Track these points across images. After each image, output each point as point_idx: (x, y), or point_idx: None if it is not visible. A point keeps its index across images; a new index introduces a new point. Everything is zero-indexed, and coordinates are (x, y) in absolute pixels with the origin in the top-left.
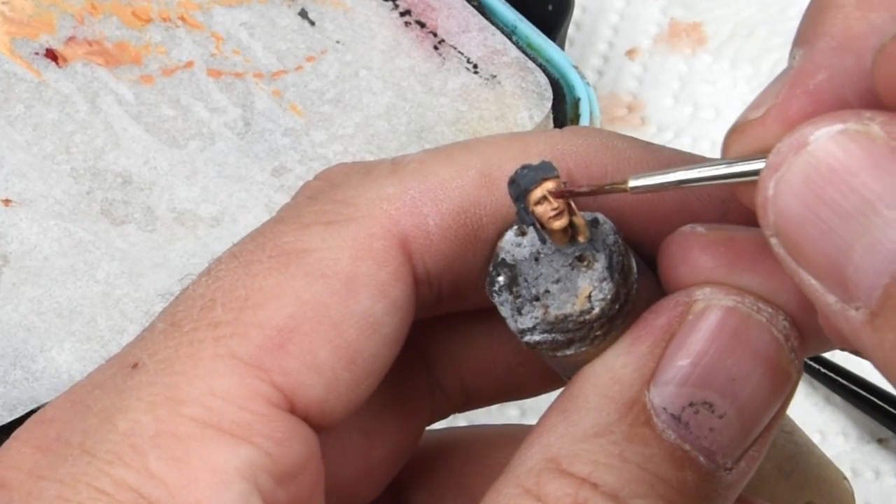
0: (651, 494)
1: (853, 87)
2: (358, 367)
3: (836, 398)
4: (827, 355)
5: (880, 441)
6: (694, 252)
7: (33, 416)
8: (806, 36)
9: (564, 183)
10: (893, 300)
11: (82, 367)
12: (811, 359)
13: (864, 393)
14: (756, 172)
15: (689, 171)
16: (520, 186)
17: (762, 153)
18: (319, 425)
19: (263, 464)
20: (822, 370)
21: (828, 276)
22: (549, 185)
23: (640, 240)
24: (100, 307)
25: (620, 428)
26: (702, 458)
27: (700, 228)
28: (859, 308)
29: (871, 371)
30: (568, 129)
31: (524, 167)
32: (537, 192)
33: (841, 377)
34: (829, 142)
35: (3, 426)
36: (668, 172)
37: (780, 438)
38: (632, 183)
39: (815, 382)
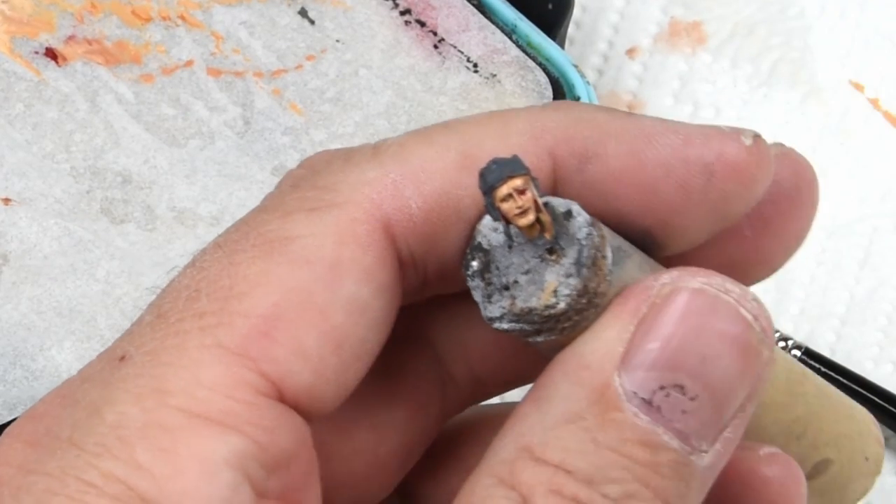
0: (625, 479)
1: None
2: (345, 352)
3: None
4: (827, 354)
5: None
6: None
7: (25, 413)
8: None
9: (534, 179)
10: None
11: (82, 365)
12: (811, 358)
13: (864, 392)
14: None
15: None
16: (487, 182)
17: None
18: (309, 413)
19: (252, 452)
20: (823, 370)
21: None
22: (516, 182)
23: (627, 212)
24: (100, 306)
25: (592, 414)
26: (675, 441)
27: None
28: None
29: (871, 370)
30: (549, 105)
31: (494, 161)
32: (503, 189)
33: (841, 377)
34: None
35: (3, 425)
36: None
37: (787, 401)
38: None
39: None
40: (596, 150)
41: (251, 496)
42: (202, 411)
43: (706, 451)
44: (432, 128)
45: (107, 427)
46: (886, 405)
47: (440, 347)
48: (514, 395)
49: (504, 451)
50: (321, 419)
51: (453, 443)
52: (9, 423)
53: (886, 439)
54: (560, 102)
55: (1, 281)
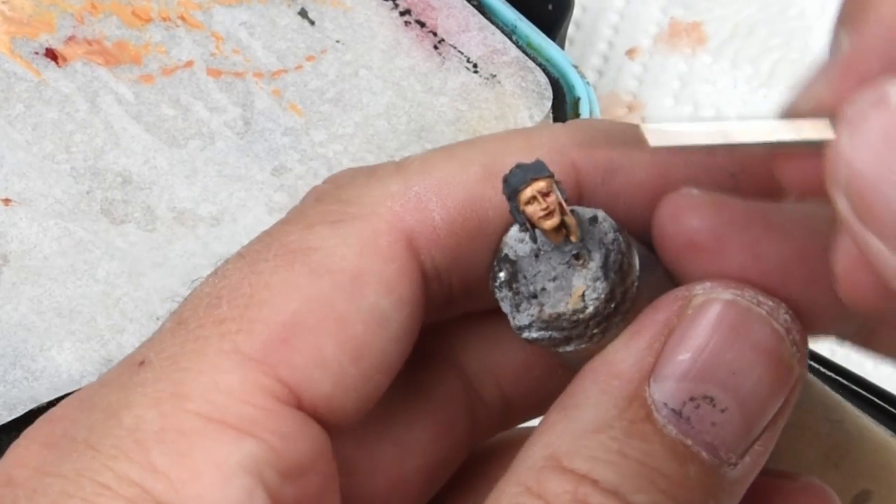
0: (652, 490)
1: None
2: (365, 362)
3: None
4: (827, 354)
5: None
6: (684, 213)
7: (43, 416)
8: (852, 18)
9: (557, 182)
10: None
11: (82, 366)
12: (811, 358)
13: (864, 393)
14: (796, 142)
15: (725, 133)
16: (510, 186)
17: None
18: (329, 422)
19: (268, 459)
20: (823, 370)
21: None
22: (540, 184)
23: (650, 229)
24: (99, 306)
25: (620, 424)
26: (704, 453)
27: (695, 191)
28: None
29: (871, 371)
30: (571, 122)
31: (517, 166)
32: (527, 192)
33: (841, 377)
34: None
35: (3, 425)
36: (693, 132)
37: (825, 427)
38: (653, 142)
39: None
40: (620, 161)
41: (266, 502)
42: (219, 416)
43: (735, 465)
44: (455, 144)
45: (124, 430)
46: (886, 405)
47: (470, 369)
48: None
49: (531, 459)
50: (342, 431)
51: (487, 465)
52: (9, 423)
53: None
54: (583, 120)
55: (1, 281)
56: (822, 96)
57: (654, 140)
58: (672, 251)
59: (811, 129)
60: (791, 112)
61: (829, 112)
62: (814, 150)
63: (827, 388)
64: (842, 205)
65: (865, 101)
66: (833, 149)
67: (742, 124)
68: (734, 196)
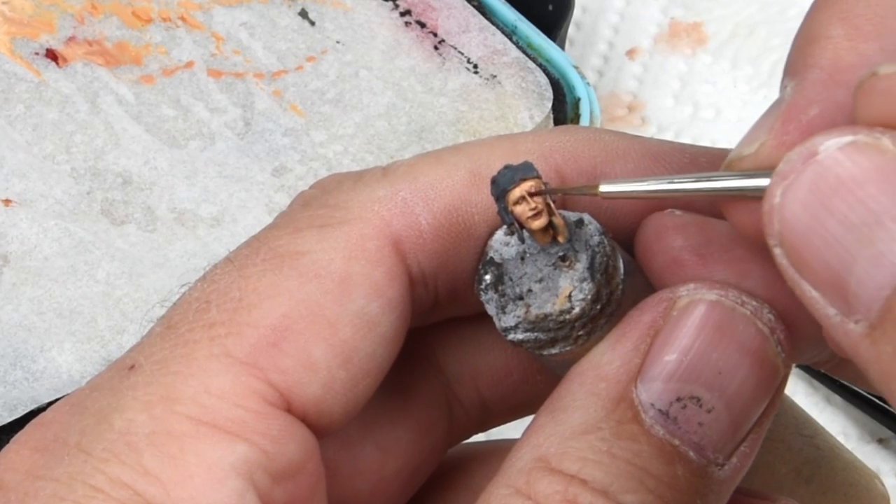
0: (640, 489)
1: (846, 121)
2: (354, 366)
3: (836, 398)
4: None
5: (880, 441)
6: (668, 232)
7: (33, 420)
8: (796, 67)
9: (545, 183)
10: (893, 313)
11: (82, 367)
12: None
13: (864, 393)
14: (735, 189)
15: (663, 183)
16: (499, 186)
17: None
18: (318, 426)
19: (259, 461)
20: (823, 370)
21: (829, 288)
22: (528, 185)
23: (634, 231)
24: (100, 307)
25: (608, 424)
26: (692, 453)
27: (678, 212)
28: (858, 321)
29: None
30: (557, 128)
31: (506, 167)
32: (516, 192)
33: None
34: (838, 152)
35: (3, 426)
36: (641, 182)
37: (797, 442)
38: (603, 188)
39: (815, 382)
40: (603, 169)
41: None
42: (210, 419)
43: (723, 465)
44: (442, 149)
45: (115, 433)
46: (886, 406)
47: (450, 371)
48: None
49: (521, 461)
50: (330, 434)
51: (467, 473)
52: (9, 424)
53: (886, 440)
54: (569, 126)
55: (1, 282)
56: (764, 142)
57: (603, 188)
58: (656, 268)
59: (750, 178)
60: (734, 158)
61: (770, 159)
62: (755, 196)
63: (795, 402)
64: (777, 254)
65: (797, 156)
66: (767, 202)
67: (685, 176)
68: (708, 217)
